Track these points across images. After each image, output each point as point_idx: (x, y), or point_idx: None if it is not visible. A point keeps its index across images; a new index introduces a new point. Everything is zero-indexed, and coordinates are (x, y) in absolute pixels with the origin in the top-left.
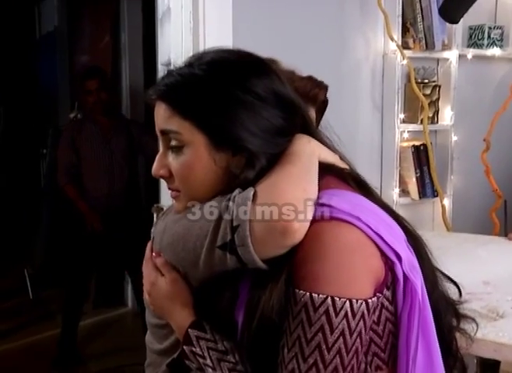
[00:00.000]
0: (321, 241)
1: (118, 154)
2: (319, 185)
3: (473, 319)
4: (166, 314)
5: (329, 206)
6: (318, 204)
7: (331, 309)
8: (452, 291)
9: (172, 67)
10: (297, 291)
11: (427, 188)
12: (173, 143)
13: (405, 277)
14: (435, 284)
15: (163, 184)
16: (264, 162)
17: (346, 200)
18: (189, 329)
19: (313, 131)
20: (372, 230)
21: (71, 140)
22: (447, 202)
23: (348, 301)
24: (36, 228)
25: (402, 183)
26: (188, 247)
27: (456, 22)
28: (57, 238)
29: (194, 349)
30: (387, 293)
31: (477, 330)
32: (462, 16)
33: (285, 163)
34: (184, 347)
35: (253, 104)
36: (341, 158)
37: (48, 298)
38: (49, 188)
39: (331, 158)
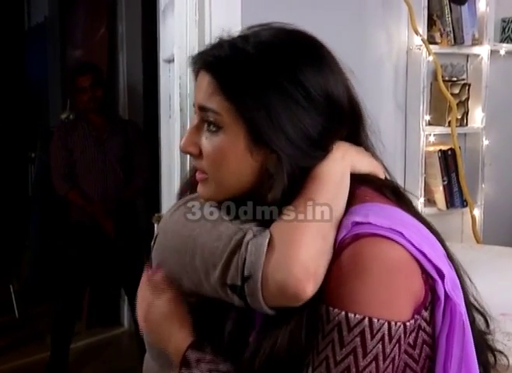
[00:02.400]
0: (362, 258)
1: (113, 157)
2: (353, 198)
3: (503, 353)
4: (163, 337)
5: (368, 223)
6: (354, 223)
7: (367, 331)
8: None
9: (225, 35)
10: (331, 309)
11: (455, 197)
12: (211, 120)
13: (446, 295)
14: (470, 308)
15: (164, 192)
16: (292, 174)
17: (385, 215)
18: (189, 351)
19: (362, 137)
20: (414, 246)
21: (65, 142)
22: (477, 212)
23: (386, 323)
24: (24, 240)
25: (428, 191)
26: (195, 266)
27: (463, 3)
28: (46, 250)
29: (193, 372)
30: (425, 314)
31: (508, 365)
32: None
33: (308, 197)
34: (183, 370)
35: (298, 102)
36: (383, 166)
37: (36, 316)
38: (38, 195)
39: (369, 167)
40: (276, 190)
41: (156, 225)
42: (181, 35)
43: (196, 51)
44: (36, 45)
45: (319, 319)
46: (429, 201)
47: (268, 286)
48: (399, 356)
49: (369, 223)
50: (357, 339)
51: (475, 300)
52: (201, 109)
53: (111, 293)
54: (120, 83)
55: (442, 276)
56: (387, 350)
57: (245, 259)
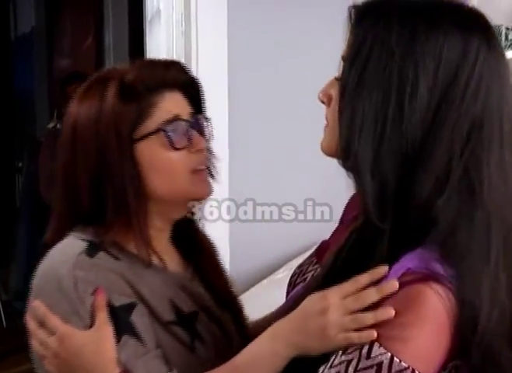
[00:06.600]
0: (427, 306)
1: None
2: None
3: None
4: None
5: (426, 269)
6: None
7: None
8: None
9: None
10: (377, 344)
11: None
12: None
13: None
14: None
15: None
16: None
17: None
18: None
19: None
20: None
21: (54, 150)
22: None
23: None
24: (11, 250)
25: None
26: None
27: None
28: (33, 260)
29: None
30: None
31: None
32: None
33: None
34: None
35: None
36: None
37: (24, 327)
38: (25, 205)
39: None
40: None
41: None
42: (168, 45)
43: (183, 60)
44: (23, 55)
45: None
46: None
47: None
48: None
49: (443, 275)
50: None
51: None
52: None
53: None
54: None
55: None
56: None
57: None
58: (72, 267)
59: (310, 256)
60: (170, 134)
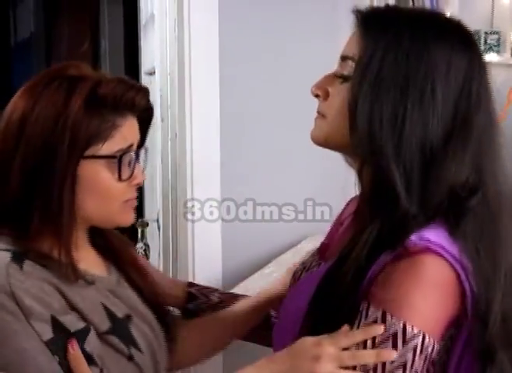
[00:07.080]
0: (430, 275)
1: None
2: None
3: None
4: None
5: (442, 246)
6: (428, 239)
7: (418, 347)
8: None
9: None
10: (389, 315)
11: None
12: (345, 72)
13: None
14: None
15: (147, 198)
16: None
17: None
18: None
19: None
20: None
21: None
22: None
23: (433, 343)
24: None
25: None
26: None
27: None
28: None
29: None
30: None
31: None
32: None
33: None
34: None
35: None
36: None
37: None
38: None
39: None
40: None
41: (139, 230)
42: (161, 49)
43: (176, 64)
44: (22, 60)
45: (359, 316)
46: None
47: None
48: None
49: (443, 246)
50: (409, 354)
51: None
52: (343, 58)
53: None
54: None
55: None
56: (424, 370)
57: None
58: (5, 280)
59: (312, 255)
60: (121, 164)
